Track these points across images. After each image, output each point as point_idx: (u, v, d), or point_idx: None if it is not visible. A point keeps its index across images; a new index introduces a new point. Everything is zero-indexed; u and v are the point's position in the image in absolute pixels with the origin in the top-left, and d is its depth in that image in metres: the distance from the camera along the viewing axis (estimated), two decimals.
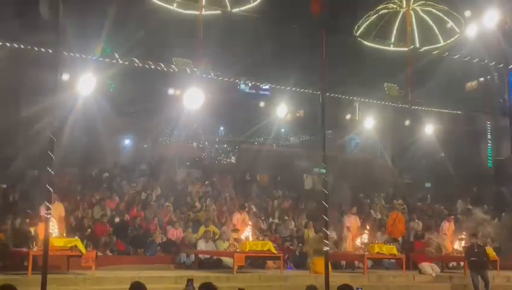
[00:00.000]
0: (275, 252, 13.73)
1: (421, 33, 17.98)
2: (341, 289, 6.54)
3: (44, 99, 9.32)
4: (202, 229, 15.56)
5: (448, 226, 16.82)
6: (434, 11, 18.02)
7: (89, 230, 14.72)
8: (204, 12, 15.58)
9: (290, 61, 21.67)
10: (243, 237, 14.08)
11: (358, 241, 15.09)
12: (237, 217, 15.40)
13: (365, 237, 15.04)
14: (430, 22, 18.06)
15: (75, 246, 11.68)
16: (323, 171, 10.41)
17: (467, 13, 19.07)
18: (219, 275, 12.39)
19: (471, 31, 18.19)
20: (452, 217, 17.92)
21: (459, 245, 15.67)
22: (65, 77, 13.69)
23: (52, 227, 10.72)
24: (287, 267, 15.02)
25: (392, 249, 14.87)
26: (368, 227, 15.86)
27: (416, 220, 18.73)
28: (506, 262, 15.88)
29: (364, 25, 18.53)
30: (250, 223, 14.93)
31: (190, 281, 7.36)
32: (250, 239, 13.72)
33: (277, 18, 12.85)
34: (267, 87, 22.02)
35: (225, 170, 24.96)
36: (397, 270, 15.26)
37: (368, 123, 19.24)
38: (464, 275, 14.86)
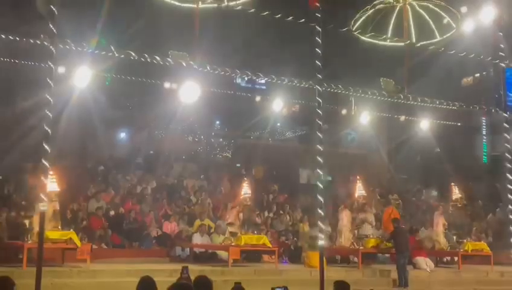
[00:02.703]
0: (270, 246, 13.75)
1: (417, 28, 17.95)
2: (337, 285, 6.57)
3: (39, 91, 9.28)
4: (197, 222, 15.56)
5: (439, 217, 16.88)
6: (431, 6, 17.98)
7: (84, 223, 14.72)
8: (201, 5, 15.52)
9: (286, 55, 21.62)
10: (238, 230, 14.10)
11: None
12: (234, 213, 15.38)
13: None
14: (427, 17, 18.04)
15: (70, 239, 11.69)
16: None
17: (464, 9, 19.05)
18: (214, 269, 12.42)
19: (467, 27, 18.17)
20: (441, 206, 17.95)
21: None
22: (61, 69, 13.62)
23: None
24: (282, 261, 15.04)
25: (387, 243, 14.92)
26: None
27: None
28: (500, 257, 15.93)
29: (361, 20, 18.47)
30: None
31: (185, 268, 7.40)
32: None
33: (273, 12, 12.80)
34: (263, 81, 21.95)
35: (221, 164, 24.97)
36: (392, 265, 15.30)
37: (363, 118, 19.23)
38: (458, 269, 14.95)
